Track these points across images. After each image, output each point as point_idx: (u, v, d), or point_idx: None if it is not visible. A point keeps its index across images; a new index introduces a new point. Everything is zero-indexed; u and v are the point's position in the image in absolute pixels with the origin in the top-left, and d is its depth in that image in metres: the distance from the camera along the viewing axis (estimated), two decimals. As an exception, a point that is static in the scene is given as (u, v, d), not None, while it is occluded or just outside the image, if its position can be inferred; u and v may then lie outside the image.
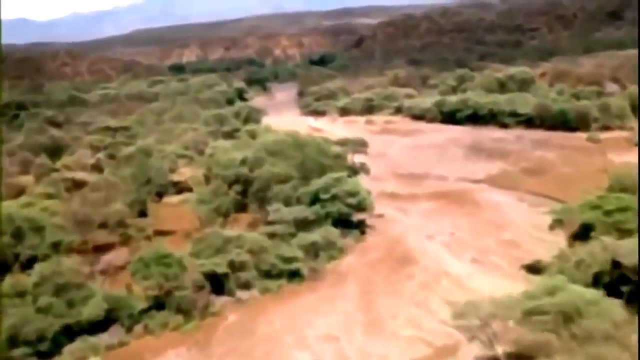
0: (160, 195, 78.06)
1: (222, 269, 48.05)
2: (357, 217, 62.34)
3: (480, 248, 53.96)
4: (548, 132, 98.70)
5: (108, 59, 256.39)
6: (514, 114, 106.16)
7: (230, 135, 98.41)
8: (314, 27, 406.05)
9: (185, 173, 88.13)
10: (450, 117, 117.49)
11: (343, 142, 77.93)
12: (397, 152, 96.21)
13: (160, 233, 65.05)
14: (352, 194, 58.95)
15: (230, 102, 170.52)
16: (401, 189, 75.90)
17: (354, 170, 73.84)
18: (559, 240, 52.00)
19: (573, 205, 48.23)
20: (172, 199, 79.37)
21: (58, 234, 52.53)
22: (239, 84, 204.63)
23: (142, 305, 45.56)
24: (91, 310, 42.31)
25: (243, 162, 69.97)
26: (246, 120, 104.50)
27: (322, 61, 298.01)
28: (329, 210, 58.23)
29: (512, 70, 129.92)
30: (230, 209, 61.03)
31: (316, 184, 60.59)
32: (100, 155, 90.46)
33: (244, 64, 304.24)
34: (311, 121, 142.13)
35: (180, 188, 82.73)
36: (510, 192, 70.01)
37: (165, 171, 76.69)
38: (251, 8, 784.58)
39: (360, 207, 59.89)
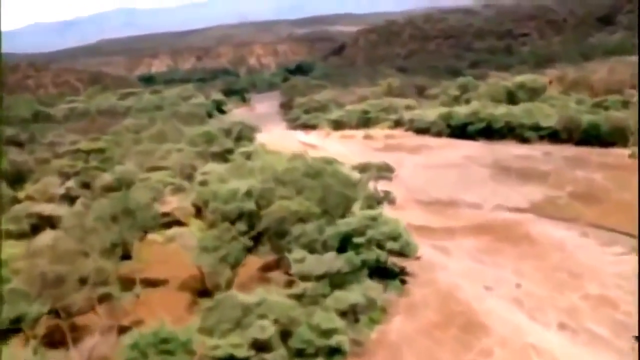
0: (144, 230, 65.72)
1: (242, 352, 35.97)
2: (392, 260, 50.74)
3: (564, 308, 42.52)
4: (578, 147, 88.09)
5: (74, 70, 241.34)
6: (535, 128, 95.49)
7: (221, 157, 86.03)
8: (288, 35, 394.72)
9: (171, 202, 75.76)
10: (459, 131, 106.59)
11: (363, 168, 66.02)
12: (411, 173, 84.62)
13: (149, 283, 53.02)
14: (394, 238, 47.17)
15: (209, 115, 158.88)
16: (431, 221, 64.35)
17: (377, 201, 62.36)
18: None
19: None
20: (159, 235, 66.96)
21: (20, 305, 39.81)
22: (217, 95, 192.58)
23: (138, 410, 33.37)
24: None
25: (248, 194, 57.89)
26: (238, 139, 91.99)
27: (299, 70, 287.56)
28: (365, 259, 46.38)
29: (521, 78, 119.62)
30: (240, 258, 48.76)
31: (346, 224, 48.72)
32: (71, 183, 77.34)
33: (218, 73, 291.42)
34: (301, 136, 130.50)
35: (167, 221, 70.57)
36: (567, 225, 58.74)
37: (151, 206, 64.04)
38: (217, 18, 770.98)
39: (403, 254, 48.16)
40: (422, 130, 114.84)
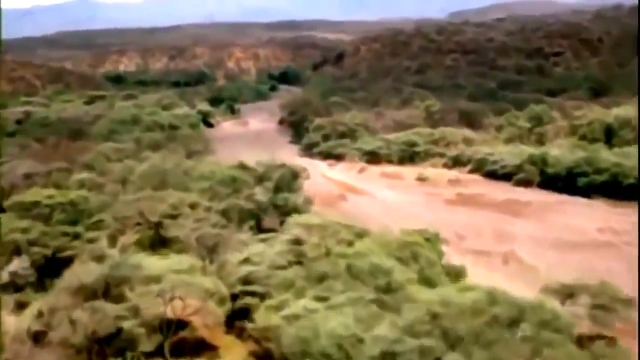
0: None
1: None
2: None
3: None
4: None
5: (32, 65, 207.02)
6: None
7: (253, 217, 56.36)
8: (270, 39, 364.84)
9: (186, 297, 45.82)
10: (561, 183, 79.09)
11: (568, 292, 36.35)
12: (539, 258, 56.25)
13: None
14: None
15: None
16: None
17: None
18: None
19: None
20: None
21: None
22: (202, 105, 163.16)
23: None
24: None
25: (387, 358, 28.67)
26: (277, 189, 61.88)
27: (284, 77, 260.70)
28: None
29: (622, 111, 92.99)
30: None
31: None
32: (21, 263, 46.65)
33: (194, 76, 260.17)
34: (325, 169, 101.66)
35: (182, 338, 41.22)
36: None
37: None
38: (184, 16, 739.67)
39: None
40: (498, 175, 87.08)
